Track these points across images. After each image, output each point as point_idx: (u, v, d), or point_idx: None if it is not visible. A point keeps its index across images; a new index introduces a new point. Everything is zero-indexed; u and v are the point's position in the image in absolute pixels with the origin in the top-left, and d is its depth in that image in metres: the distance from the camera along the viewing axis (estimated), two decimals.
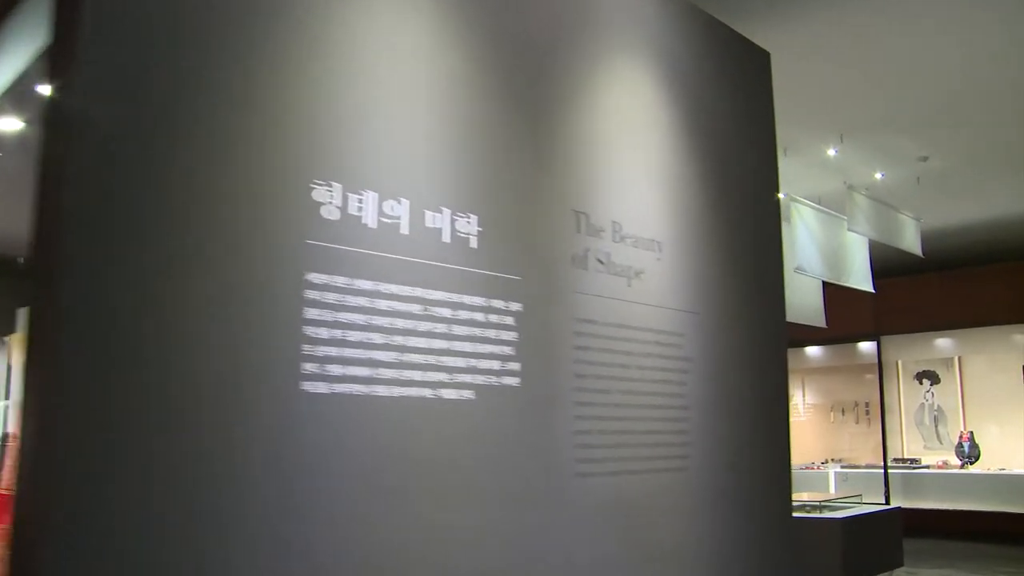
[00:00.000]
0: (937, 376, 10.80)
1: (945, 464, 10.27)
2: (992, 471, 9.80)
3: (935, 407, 10.78)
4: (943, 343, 10.32)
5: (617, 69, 3.33)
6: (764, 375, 3.86)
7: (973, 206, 8.80)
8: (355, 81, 2.42)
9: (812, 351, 11.24)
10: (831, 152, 7.04)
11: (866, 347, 10.77)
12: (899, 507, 7.45)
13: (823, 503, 7.42)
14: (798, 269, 6.83)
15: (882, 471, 10.30)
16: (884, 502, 10.11)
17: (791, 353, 11.18)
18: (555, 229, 2.95)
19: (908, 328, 10.25)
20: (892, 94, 6.16)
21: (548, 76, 3.00)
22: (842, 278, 7.49)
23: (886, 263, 10.44)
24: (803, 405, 11.84)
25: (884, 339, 10.46)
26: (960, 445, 10.29)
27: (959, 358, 10.63)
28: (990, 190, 8.31)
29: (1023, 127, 6.81)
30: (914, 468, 10.25)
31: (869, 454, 10.97)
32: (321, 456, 2.19)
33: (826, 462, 11.29)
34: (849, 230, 6.75)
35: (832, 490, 10.67)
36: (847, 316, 10.49)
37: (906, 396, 11.01)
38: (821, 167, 7.20)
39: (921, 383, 10.92)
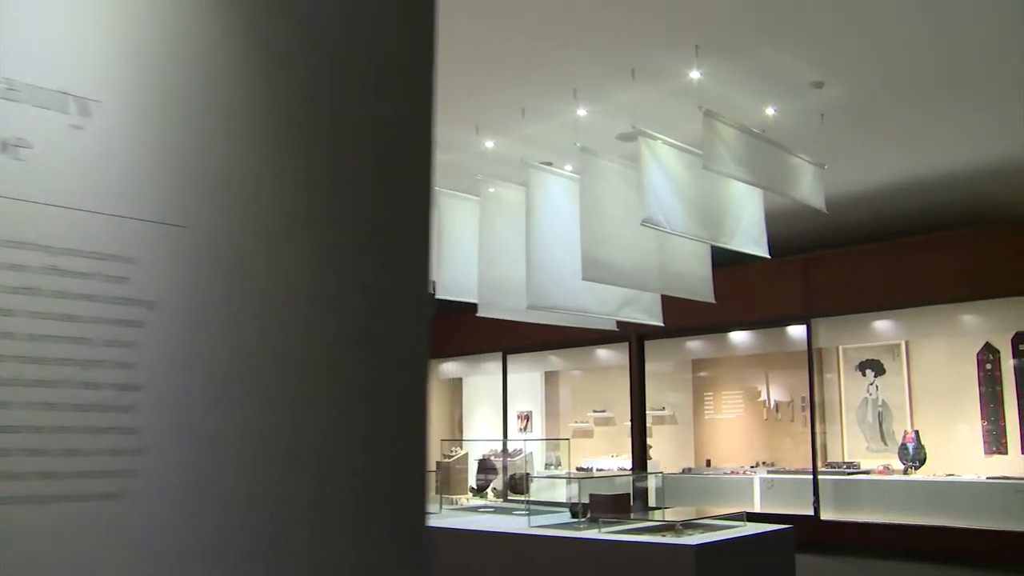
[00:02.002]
0: (882, 366, 9.24)
1: (887, 469, 8.72)
2: (938, 477, 8.23)
3: (879, 402, 9.22)
4: (886, 327, 8.75)
5: None
6: (363, 341, 2.35)
7: (903, 157, 7.25)
8: None
9: (738, 337, 9.70)
10: (694, 75, 5.52)
11: (800, 332, 9.20)
12: (791, 527, 5.93)
13: (691, 522, 5.93)
14: (647, 221, 5.33)
15: (813, 477, 8.75)
16: (813, 513, 8.58)
17: (712, 340, 9.66)
18: None
19: (844, 309, 8.69)
20: None
21: None
22: (721, 238, 5.97)
23: (815, 233, 8.91)
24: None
25: (816, 322, 8.90)
26: (904, 446, 8.73)
27: (906, 344, 9.06)
28: (917, 134, 6.77)
29: (952, 42, 5.29)
30: (848, 474, 8.69)
31: (806, 457, 9.42)
32: None
33: (756, 466, 9.76)
34: (705, 168, 5.23)
35: (757, 500, 9.14)
36: (772, 295, 8.99)
37: (847, 389, 9.46)
38: (684, 95, 5.68)
39: (864, 374, 9.36)
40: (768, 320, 9.16)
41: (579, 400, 11.81)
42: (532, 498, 10.43)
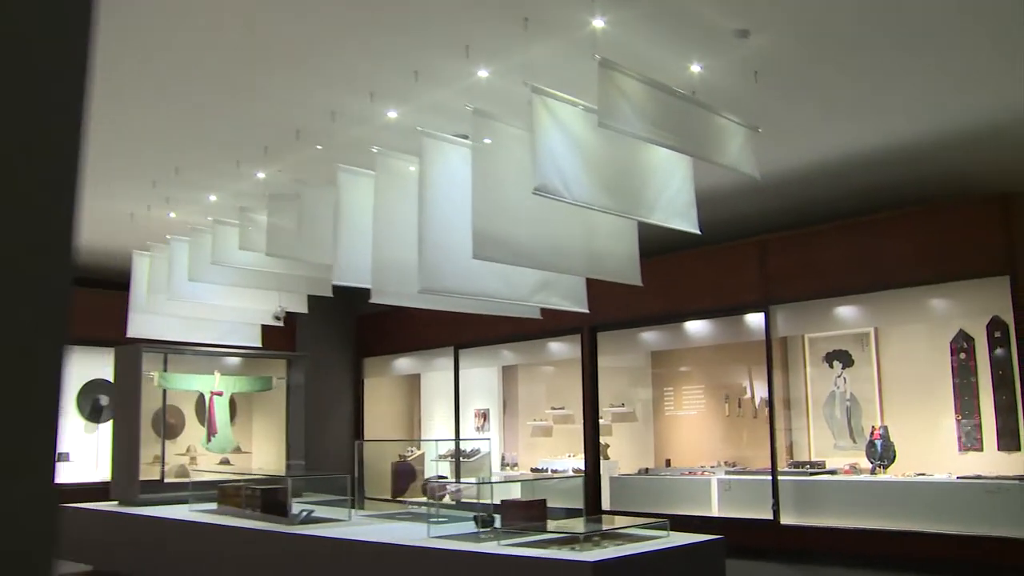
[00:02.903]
0: (850, 357, 8.52)
1: (853, 469, 8.01)
2: (906, 478, 7.51)
3: (847, 396, 8.51)
4: (850, 313, 8.02)
5: None
6: None
7: (856, 125, 6.54)
8: None
9: (697, 327, 8.97)
10: (596, 23, 4.83)
11: (760, 321, 8.46)
12: (720, 538, 5.24)
13: (609, 532, 5.26)
14: (540, 189, 4.65)
15: (772, 478, 8.03)
16: (772, 517, 7.87)
17: (670, 331, 8.95)
18: None
19: (804, 294, 7.97)
20: None
21: None
22: (638, 210, 5.30)
23: (772, 213, 8.24)
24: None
25: (774, 309, 8.18)
26: (872, 444, 8.01)
27: (875, 332, 8.35)
28: (869, 97, 6.06)
29: None
30: (811, 474, 7.98)
31: (763, 454, 8.72)
32: None
33: (718, 465, 9.06)
34: (601, 125, 4.54)
35: (715, 503, 8.44)
36: (728, 280, 8.30)
37: (814, 382, 8.75)
38: (589, 49, 4.98)
39: (831, 366, 8.65)
40: (725, 308, 8.46)
41: (539, 396, 11.13)
42: (482, 502, 9.75)
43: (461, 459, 11.25)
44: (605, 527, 5.46)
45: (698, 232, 5.62)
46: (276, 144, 6.81)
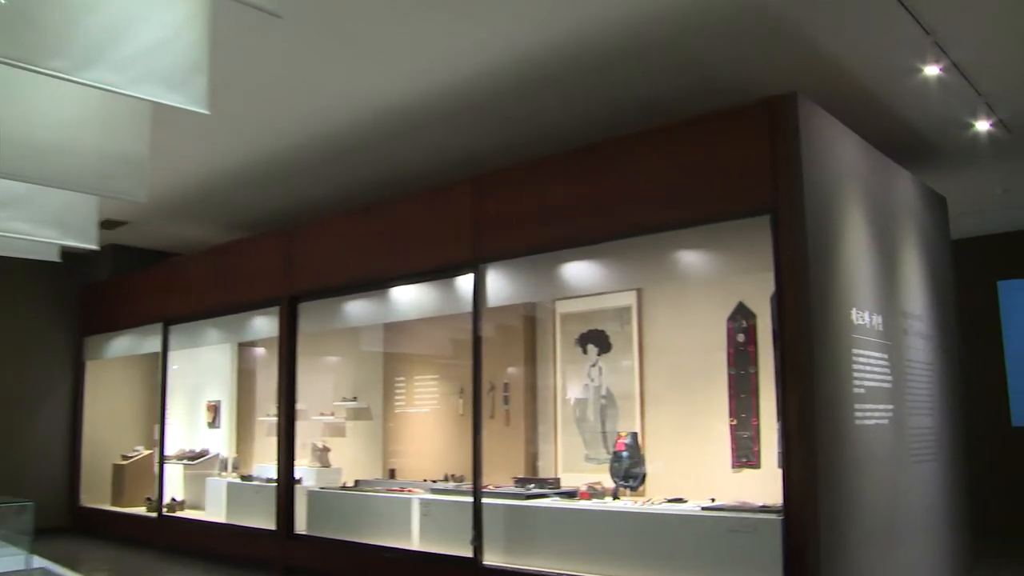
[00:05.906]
0: (607, 340, 6.44)
1: (593, 489, 5.89)
2: (647, 506, 5.38)
3: (603, 391, 6.42)
4: (591, 274, 5.77)
5: None
6: None
7: None
8: None
9: (411, 295, 6.72)
10: None
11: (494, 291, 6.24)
12: None
13: None
14: None
15: (473, 502, 5.87)
16: (473, 555, 5.73)
17: (383, 300, 6.63)
18: None
19: (524, 248, 5.73)
20: None
21: None
22: (52, 61, 3.09)
23: (488, 143, 6.16)
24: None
25: (485, 268, 5.97)
26: (616, 457, 5.91)
27: (638, 305, 6.26)
28: None
29: None
30: (526, 497, 5.84)
31: (506, 467, 6.61)
32: None
33: (446, 479, 6.93)
34: None
35: (415, 529, 6.30)
36: (439, 234, 6.18)
37: (566, 374, 6.66)
38: None
39: (585, 351, 6.55)
40: (435, 269, 6.25)
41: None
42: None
43: (188, 461, 9.05)
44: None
45: (203, 111, 3.42)
46: None
